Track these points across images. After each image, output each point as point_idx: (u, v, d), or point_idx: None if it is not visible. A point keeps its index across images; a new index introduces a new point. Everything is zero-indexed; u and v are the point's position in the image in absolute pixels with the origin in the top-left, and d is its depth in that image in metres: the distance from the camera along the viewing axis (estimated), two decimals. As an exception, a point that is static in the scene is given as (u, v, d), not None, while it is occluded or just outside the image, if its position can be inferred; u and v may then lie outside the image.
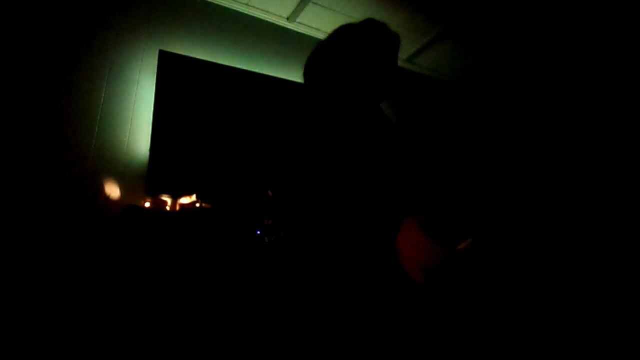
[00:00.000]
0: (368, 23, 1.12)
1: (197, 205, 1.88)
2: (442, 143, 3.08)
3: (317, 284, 0.89)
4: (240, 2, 2.41)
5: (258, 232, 1.03)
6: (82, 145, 1.91)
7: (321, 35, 2.67)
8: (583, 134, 2.86)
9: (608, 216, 2.54)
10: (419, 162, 1.05)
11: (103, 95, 2.00)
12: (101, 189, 1.90)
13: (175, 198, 1.92)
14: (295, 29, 2.61)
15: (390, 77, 1.10)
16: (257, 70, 2.33)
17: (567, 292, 2.26)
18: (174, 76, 2.03)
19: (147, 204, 1.84)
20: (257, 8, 2.46)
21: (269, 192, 1.02)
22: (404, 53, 2.88)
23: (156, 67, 2.03)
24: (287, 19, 2.55)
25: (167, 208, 1.90)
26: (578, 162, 2.84)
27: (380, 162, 0.95)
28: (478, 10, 2.44)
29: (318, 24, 2.60)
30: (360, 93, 1.05)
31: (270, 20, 2.53)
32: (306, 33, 2.64)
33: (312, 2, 2.39)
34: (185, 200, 1.91)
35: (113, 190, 1.92)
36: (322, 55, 1.12)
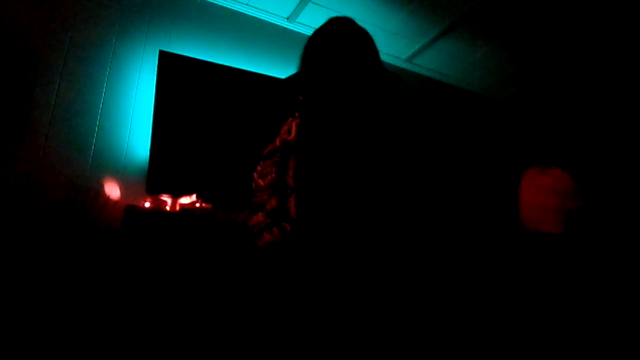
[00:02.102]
0: (334, 22, 1.13)
1: (197, 205, 1.88)
2: (443, 144, 3.07)
3: (339, 285, 0.83)
4: (240, 2, 2.41)
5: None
6: (82, 145, 1.91)
7: (321, 35, 2.67)
8: (587, 136, 2.86)
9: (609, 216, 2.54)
10: (420, 163, 1.04)
11: (103, 95, 2.00)
12: (101, 189, 1.90)
13: (175, 198, 1.92)
14: (295, 29, 2.61)
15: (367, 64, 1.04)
16: (257, 70, 2.33)
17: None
18: (174, 76, 2.03)
19: (147, 204, 1.84)
20: (257, 8, 2.46)
21: (261, 182, 0.95)
22: (403, 53, 2.88)
23: (156, 67, 2.03)
24: (287, 19, 2.55)
25: (167, 208, 1.90)
26: (582, 163, 2.84)
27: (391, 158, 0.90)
28: (479, 10, 2.44)
29: (318, 24, 2.59)
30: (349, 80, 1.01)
31: (270, 20, 2.53)
32: (306, 33, 2.63)
33: (312, 2, 2.39)
34: (185, 200, 1.91)
35: (113, 190, 1.92)
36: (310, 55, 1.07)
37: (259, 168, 1.10)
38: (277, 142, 1.01)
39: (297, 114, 0.94)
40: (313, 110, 0.92)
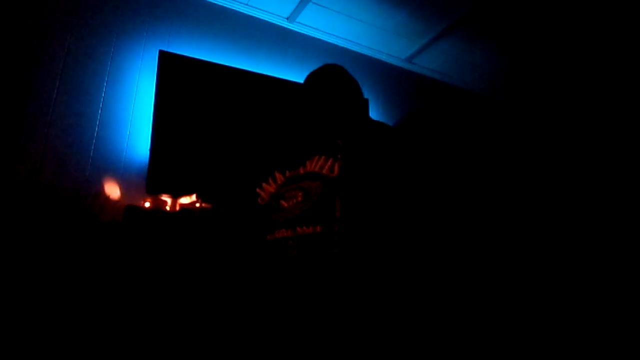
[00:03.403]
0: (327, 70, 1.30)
1: (197, 205, 1.88)
2: (443, 146, 3.08)
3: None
4: (240, 2, 2.41)
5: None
6: (82, 145, 1.91)
7: (321, 36, 2.68)
8: (591, 136, 2.86)
9: (608, 216, 2.54)
10: (420, 166, 1.10)
11: (103, 95, 2.00)
12: (101, 189, 1.90)
13: (175, 198, 1.92)
14: (295, 29, 2.61)
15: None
16: (256, 70, 2.33)
17: (567, 292, 2.27)
18: (174, 76, 2.03)
19: (147, 204, 1.84)
20: (257, 8, 2.46)
21: (285, 204, 1.05)
22: (403, 53, 2.88)
23: (156, 67, 2.03)
24: (287, 19, 2.55)
25: (167, 208, 1.90)
26: (584, 164, 2.84)
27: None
28: (479, 10, 2.44)
29: (318, 24, 2.61)
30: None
31: (270, 20, 2.53)
32: (306, 33, 2.64)
33: (312, 2, 2.39)
34: (185, 200, 1.91)
35: (113, 190, 1.92)
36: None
37: (269, 188, 1.23)
38: (301, 171, 1.16)
39: (339, 156, 1.11)
40: (355, 155, 1.10)
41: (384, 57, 2.90)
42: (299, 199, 1.07)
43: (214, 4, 2.37)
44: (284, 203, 1.10)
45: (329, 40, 2.71)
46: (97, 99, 1.98)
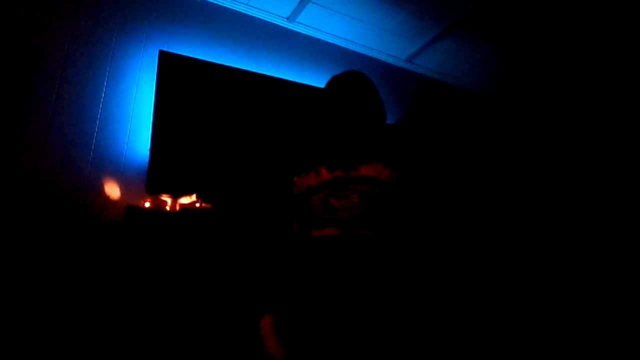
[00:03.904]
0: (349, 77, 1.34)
1: (197, 205, 1.88)
2: (443, 147, 3.08)
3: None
4: (240, 2, 2.41)
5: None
6: (82, 145, 1.91)
7: (321, 36, 2.68)
8: (591, 135, 2.86)
9: (607, 216, 2.54)
10: (419, 167, 1.12)
11: (103, 95, 2.00)
12: (101, 189, 1.90)
13: (175, 198, 1.92)
14: (295, 29, 2.61)
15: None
16: (256, 70, 2.33)
17: (566, 292, 2.27)
18: (174, 76, 2.03)
19: (147, 204, 1.84)
20: (257, 8, 2.46)
21: (336, 202, 1.11)
22: (403, 53, 2.88)
23: (156, 67, 2.03)
24: (287, 19, 2.55)
25: (167, 208, 1.90)
26: (585, 163, 2.84)
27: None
28: (479, 10, 2.44)
29: (318, 24, 2.61)
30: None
31: (270, 20, 2.53)
32: (306, 33, 2.64)
33: (312, 2, 2.39)
34: (185, 200, 1.91)
35: (113, 190, 1.92)
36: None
37: (308, 180, 1.20)
38: (354, 174, 1.17)
39: (396, 164, 1.16)
40: (414, 164, 1.15)
41: (384, 57, 2.90)
42: (355, 200, 1.09)
43: (214, 4, 2.37)
44: (334, 202, 1.11)
45: (329, 40, 2.71)
46: (97, 99, 1.98)
